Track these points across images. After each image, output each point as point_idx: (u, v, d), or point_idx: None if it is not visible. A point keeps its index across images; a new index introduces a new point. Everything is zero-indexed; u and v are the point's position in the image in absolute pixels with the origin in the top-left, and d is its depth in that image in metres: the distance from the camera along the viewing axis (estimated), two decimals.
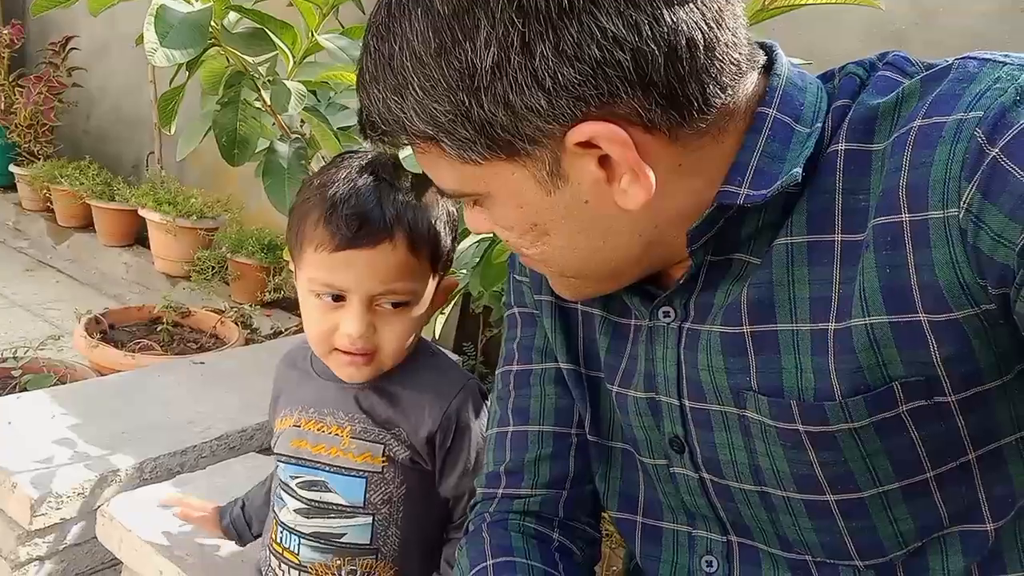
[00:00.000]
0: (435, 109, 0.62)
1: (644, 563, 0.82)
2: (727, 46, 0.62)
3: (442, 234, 1.01)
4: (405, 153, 1.06)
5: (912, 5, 1.83)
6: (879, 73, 0.66)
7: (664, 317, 0.73)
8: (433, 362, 1.09)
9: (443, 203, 1.03)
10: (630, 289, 0.75)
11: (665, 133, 0.62)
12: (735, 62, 0.63)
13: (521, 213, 0.67)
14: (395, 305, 0.99)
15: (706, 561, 0.77)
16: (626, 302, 0.77)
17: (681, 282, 0.70)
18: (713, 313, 0.70)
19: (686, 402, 0.72)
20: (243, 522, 1.25)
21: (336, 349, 1.00)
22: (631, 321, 0.77)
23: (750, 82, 0.65)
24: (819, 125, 0.65)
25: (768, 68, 0.68)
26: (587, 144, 0.61)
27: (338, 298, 0.98)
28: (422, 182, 1.02)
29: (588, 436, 0.84)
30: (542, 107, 0.59)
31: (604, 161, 0.62)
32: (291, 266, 1.06)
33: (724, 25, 0.61)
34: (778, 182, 0.63)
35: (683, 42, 0.59)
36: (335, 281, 0.97)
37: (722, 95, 0.62)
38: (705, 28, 0.60)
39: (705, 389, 0.71)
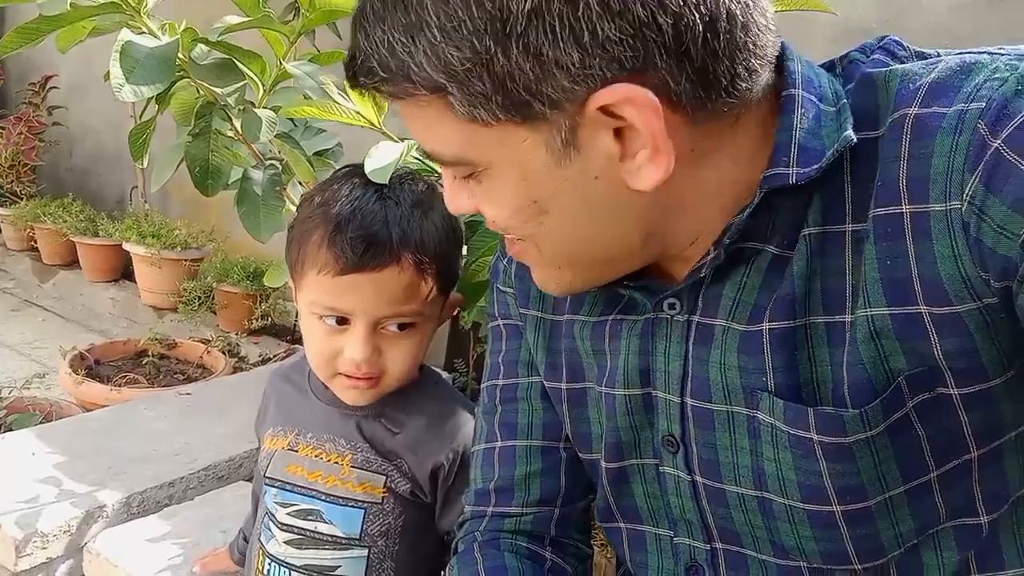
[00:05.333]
0: (452, 55, 0.55)
1: (636, 571, 0.81)
2: (759, 29, 0.59)
3: (450, 252, 0.99)
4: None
5: (880, 4, 1.85)
6: (872, 57, 0.66)
7: (669, 309, 0.70)
8: (437, 391, 1.07)
9: (450, 217, 0.99)
10: (630, 280, 0.71)
11: (687, 112, 0.58)
12: (763, 46, 0.60)
13: (523, 187, 0.61)
14: (401, 327, 0.96)
15: (691, 568, 0.76)
16: (620, 295, 0.74)
17: (702, 274, 0.67)
18: (725, 306, 0.67)
19: (688, 400, 0.70)
20: None
21: (340, 373, 0.98)
22: (622, 316, 0.74)
23: (767, 72, 0.62)
24: (845, 101, 0.63)
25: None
26: (609, 112, 0.57)
27: (342, 321, 0.95)
28: (430, 197, 0.98)
29: (579, 454, 0.82)
30: (573, 64, 0.55)
31: (619, 135, 0.59)
32: (290, 283, 1.02)
33: (759, 6, 0.59)
34: (828, 152, 0.61)
35: (724, 14, 0.56)
36: (339, 305, 0.94)
37: (748, 80, 0.60)
38: (743, 6, 0.58)
39: (713, 387, 0.68)
